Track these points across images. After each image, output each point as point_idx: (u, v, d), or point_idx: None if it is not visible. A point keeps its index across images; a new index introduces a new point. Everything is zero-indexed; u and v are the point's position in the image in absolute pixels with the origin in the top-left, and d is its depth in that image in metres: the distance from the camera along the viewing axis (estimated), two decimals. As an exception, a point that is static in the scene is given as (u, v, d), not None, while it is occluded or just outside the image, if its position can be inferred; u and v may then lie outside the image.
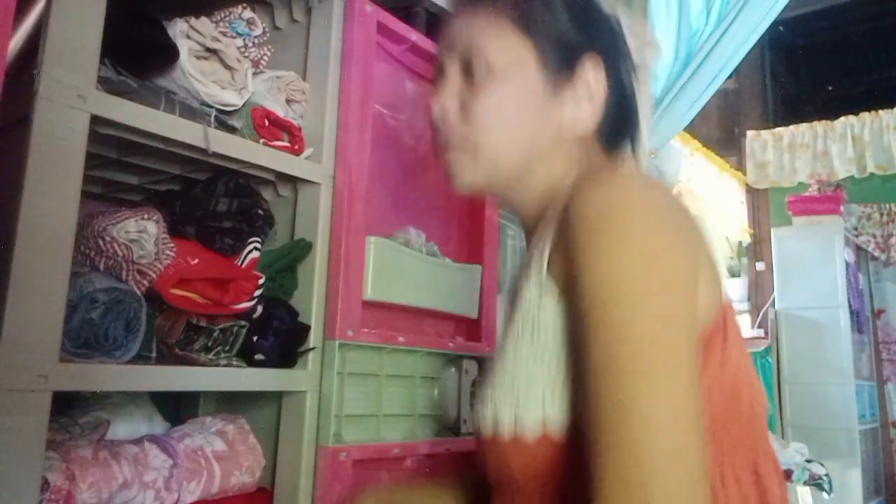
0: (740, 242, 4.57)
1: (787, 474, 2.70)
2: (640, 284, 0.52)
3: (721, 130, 4.66)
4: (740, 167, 4.53)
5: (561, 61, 0.68)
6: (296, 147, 1.12)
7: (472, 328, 1.39)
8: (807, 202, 3.85)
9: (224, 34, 1.06)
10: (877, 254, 4.09)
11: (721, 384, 0.58)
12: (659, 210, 0.57)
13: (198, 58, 1.00)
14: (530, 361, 0.59)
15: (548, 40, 0.68)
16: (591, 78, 0.68)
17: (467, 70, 0.69)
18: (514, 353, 0.60)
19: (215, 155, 0.98)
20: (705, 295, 0.57)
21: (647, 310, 0.51)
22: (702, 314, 0.56)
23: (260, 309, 1.05)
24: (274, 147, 1.08)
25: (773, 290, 3.94)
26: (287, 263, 1.12)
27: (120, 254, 0.88)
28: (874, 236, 4.10)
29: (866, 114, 4.11)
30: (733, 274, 4.59)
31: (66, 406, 0.98)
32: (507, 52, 0.67)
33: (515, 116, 0.68)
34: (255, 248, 1.06)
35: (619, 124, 0.71)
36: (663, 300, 0.52)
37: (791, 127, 4.37)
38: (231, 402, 1.18)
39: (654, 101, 1.79)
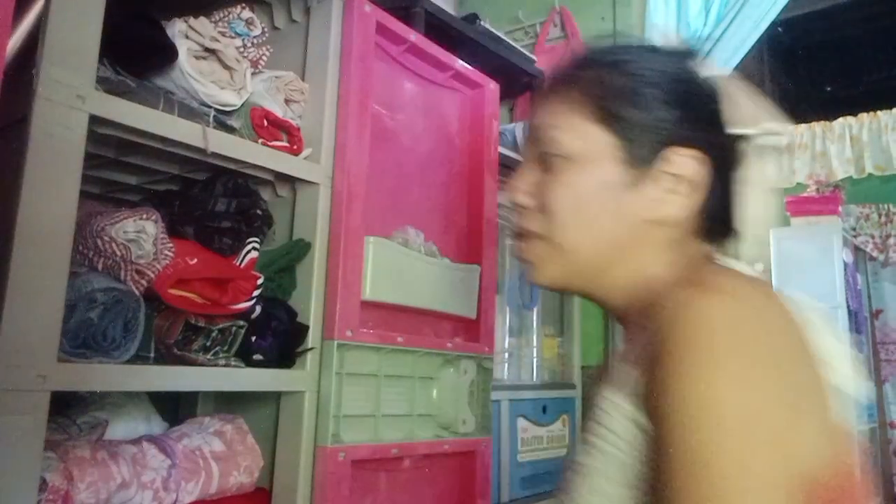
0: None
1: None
2: (737, 433, 0.48)
3: (720, 131, 4.66)
4: (739, 167, 4.52)
5: (644, 153, 0.65)
6: (294, 147, 1.12)
7: (471, 328, 1.39)
8: (805, 203, 3.85)
9: (223, 34, 1.06)
10: (875, 254, 4.10)
11: None
12: (765, 345, 0.52)
13: (196, 58, 1.00)
14: (614, 488, 0.56)
15: (630, 132, 0.65)
16: (681, 168, 0.64)
17: (545, 160, 0.67)
18: (599, 479, 0.58)
19: (214, 155, 0.98)
20: (812, 448, 0.51)
21: (741, 463, 0.47)
22: (807, 468, 0.50)
23: (258, 309, 1.05)
24: (272, 147, 1.08)
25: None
26: (286, 263, 1.12)
27: (118, 254, 0.88)
28: (872, 237, 4.11)
29: (865, 115, 4.11)
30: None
31: (65, 406, 0.98)
32: (582, 142, 0.65)
33: (591, 208, 0.65)
34: (254, 248, 1.06)
35: (719, 216, 0.68)
36: (759, 455, 0.48)
37: (789, 127, 4.36)
38: (229, 403, 1.18)
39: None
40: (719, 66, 1.81)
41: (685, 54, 0.71)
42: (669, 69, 0.67)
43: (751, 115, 0.69)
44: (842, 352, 0.58)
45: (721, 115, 0.67)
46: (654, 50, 0.71)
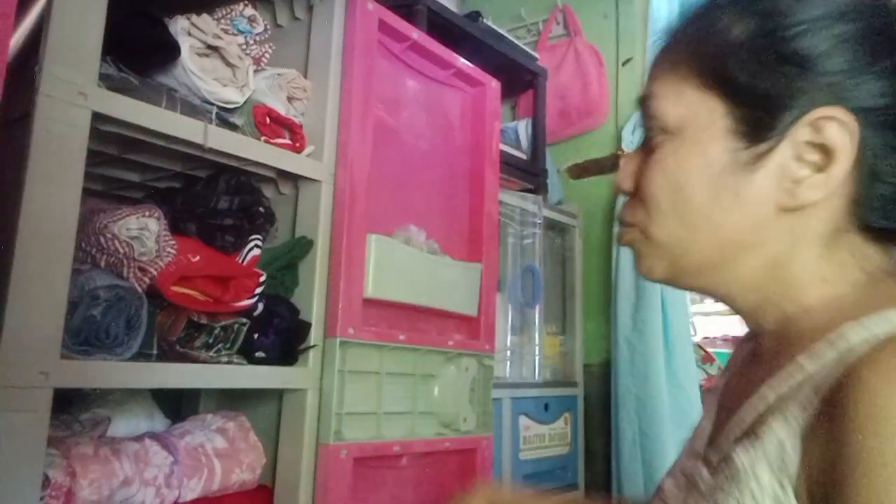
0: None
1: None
2: None
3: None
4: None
5: (765, 120, 0.50)
6: (297, 144, 1.12)
7: (472, 326, 1.39)
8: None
9: (225, 31, 1.06)
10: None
11: None
12: None
13: (199, 55, 1.00)
14: None
15: (744, 95, 0.51)
16: (823, 136, 0.49)
17: (649, 138, 0.56)
18: None
19: (216, 152, 0.98)
20: None
21: None
22: None
23: (261, 306, 1.05)
24: (275, 144, 1.08)
25: None
26: (288, 261, 1.12)
27: (121, 251, 0.88)
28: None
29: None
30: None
31: (67, 403, 0.98)
32: (685, 110, 0.53)
33: (695, 195, 0.52)
34: (256, 246, 1.06)
35: (890, 199, 0.50)
36: None
37: None
38: (232, 400, 1.18)
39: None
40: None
41: None
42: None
43: None
44: None
45: (879, 57, 0.49)
46: None
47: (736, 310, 0.57)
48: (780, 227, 0.51)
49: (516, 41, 1.96)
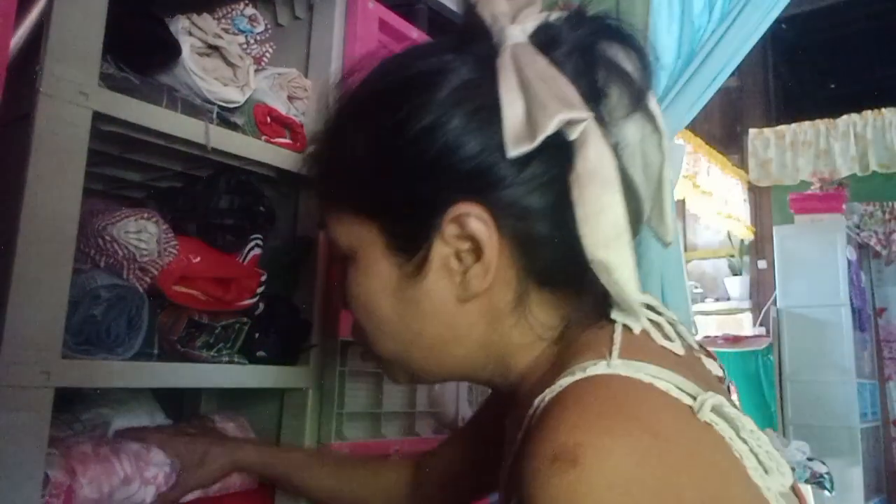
0: (742, 240, 4.57)
1: (788, 472, 2.70)
2: None
3: (723, 128, 4.66)
4: (742, 165, 4.52)
5: (411, 231, 0.52)
6: (298, 144, 1.12)
7: (474, 326, 1.39)
8: (809, 200, 3.85)
9: (226, 31, 1.06)
10: (878, 248, 4.09)
11: None
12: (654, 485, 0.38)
13: (200, 55, 1.00)
14: None
15: (383, 211, 0.53)
16: (469, 230, 0.50)
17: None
18: None
19: (217, 152, 0.98)
20: None
21: None
22: None
23: (262, 306, 1.05)
24: (276, 144, 1.08)
25: (775, 288, 3.94)
26: (289, 261, 1.12)
27: (120, 253, 0.88)
28: (876, 233, 4.10)
29: (869, 112, 4.10)
30: (735, 272, 4.59)
31: (68, 403, 0.98)
32: (350, 237, 0.55)
33: (386, 316, 0.54)
34: (257, 246, 1.06)
35: (559, 261, 0.52)
36: None
37: (793, 125, 4.36)
38: (233, 399, 1.18)
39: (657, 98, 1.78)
40: (720, 63, 1.81)
41: (466, 41, 0.54)
42: (407, 106, 0.50)
43: (537, 113, 0.47)
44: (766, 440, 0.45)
45: (490, 137, 0.49)
46: (386, 79, 0.54)
47: (485, 385, 0.60)
48: (471, 314, 0.53)
49: (517, 40, 1.96)
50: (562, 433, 0.40)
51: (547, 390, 0.47)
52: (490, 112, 0.49)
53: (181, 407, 1.21)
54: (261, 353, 1.05)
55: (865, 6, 4.40)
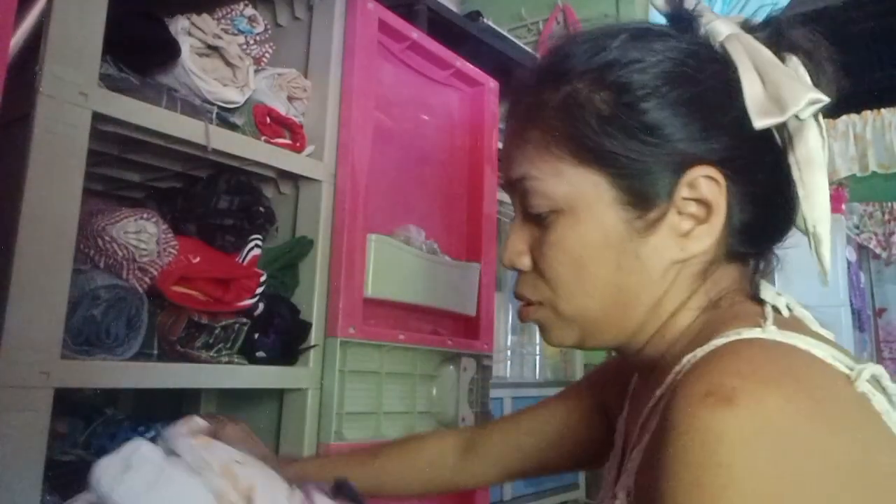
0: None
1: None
2: None
3: (723, 128, 4.65)
4: (742, 165, 4.52)
5: (650, 186, 0.52)
6: (297, 144, 1.12)
7: (471, 326, 1.39)
8: (808, 200, 3.85)
9: (226, 31, 1.06)
10: (878, 250, 4.09)
11: None
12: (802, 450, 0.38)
13: (199, 55, 1.00)
14: None
15: (624, 166, 0.52)
16: (703, 192, 0.52)
17: (528, 210, 0.56)
18: None
19: (216, 152, 0.98)
20: None
21: None
22: None
23: (261, 306, 1.05)
24: (275, 144, 1.08)
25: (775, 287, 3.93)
26: (288, 261, 1.12)
27: (119, 254, 0.88)
28: (875, 234, 4.10)
29: (868, 112, 4.10)
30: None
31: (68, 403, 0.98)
32: (567, 188, 0.53)
33: (597, 269, 0.54)
34: (257, 246, 1.06)
35: (755, 231, 0.55)
36: None
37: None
38: (232, 400, 1.18)
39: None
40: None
41: (679, 28, 0.57)
42: (661, 63, 0.53)
43: (784, 92, 0.50)
44: None
45: (736, 109, 0.52)
46: (635, 37, 0.55)
47: (626, 353, 0.59)
48: (669, 274, 0.54)
49: (517, 41, 1.96)
50: (717, 375, 0.41)
51: (699, 349, 0.48)
52: (731, 87, 0.52)
53: (180, 407, 1.21)
54: (260, 354, 1.05)
55: (864, 7, 4.40)
